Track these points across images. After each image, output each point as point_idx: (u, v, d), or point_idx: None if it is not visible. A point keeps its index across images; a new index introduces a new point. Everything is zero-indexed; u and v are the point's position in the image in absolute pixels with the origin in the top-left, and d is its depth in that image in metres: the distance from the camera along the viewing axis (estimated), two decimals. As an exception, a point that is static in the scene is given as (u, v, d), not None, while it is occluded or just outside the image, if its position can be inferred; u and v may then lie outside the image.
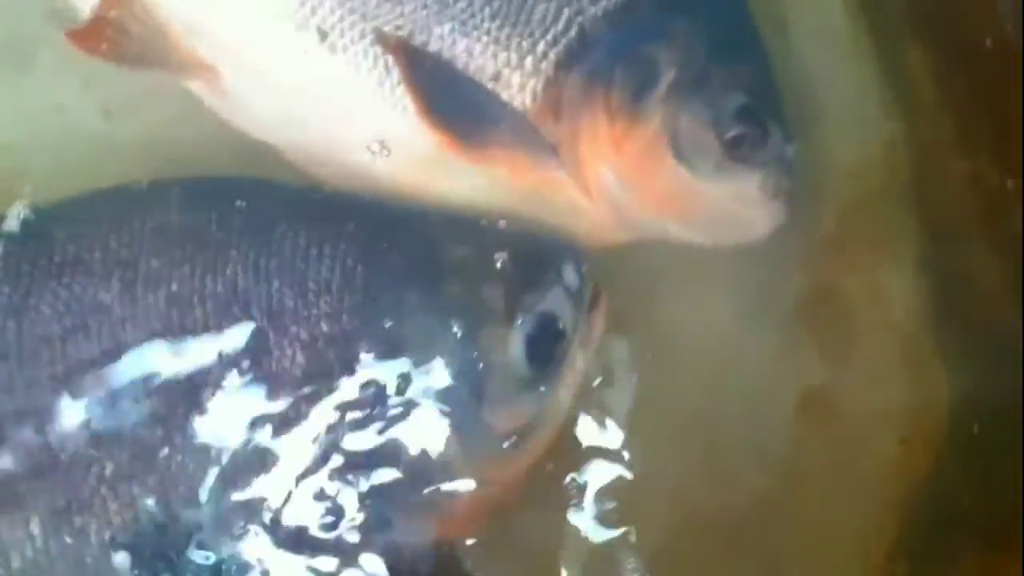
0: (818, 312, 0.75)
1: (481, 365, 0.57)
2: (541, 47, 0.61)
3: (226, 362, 0.53)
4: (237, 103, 0.62)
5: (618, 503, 0.69)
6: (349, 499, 0.55)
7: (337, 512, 0.55)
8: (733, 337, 0.74)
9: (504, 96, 0.61)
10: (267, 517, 0.54)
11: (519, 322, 0.58)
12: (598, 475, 0.69)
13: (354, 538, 0.55)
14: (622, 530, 0.68)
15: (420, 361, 0.56)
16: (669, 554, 0.70)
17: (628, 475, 0.69)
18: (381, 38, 0.59)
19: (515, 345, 0.58)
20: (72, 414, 0.53)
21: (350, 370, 0.55)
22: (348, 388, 0.55)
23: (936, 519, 0.70)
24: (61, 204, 0.59)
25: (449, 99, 0.60)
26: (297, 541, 0.54)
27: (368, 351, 0.55)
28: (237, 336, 0.54)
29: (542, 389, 0.59)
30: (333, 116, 0.61)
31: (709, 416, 0.72)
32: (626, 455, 0.70)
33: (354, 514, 0.55)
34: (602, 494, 0.68)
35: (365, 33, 0.59)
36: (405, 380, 0.56)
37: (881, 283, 0.76)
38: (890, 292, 0.76)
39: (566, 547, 0.67)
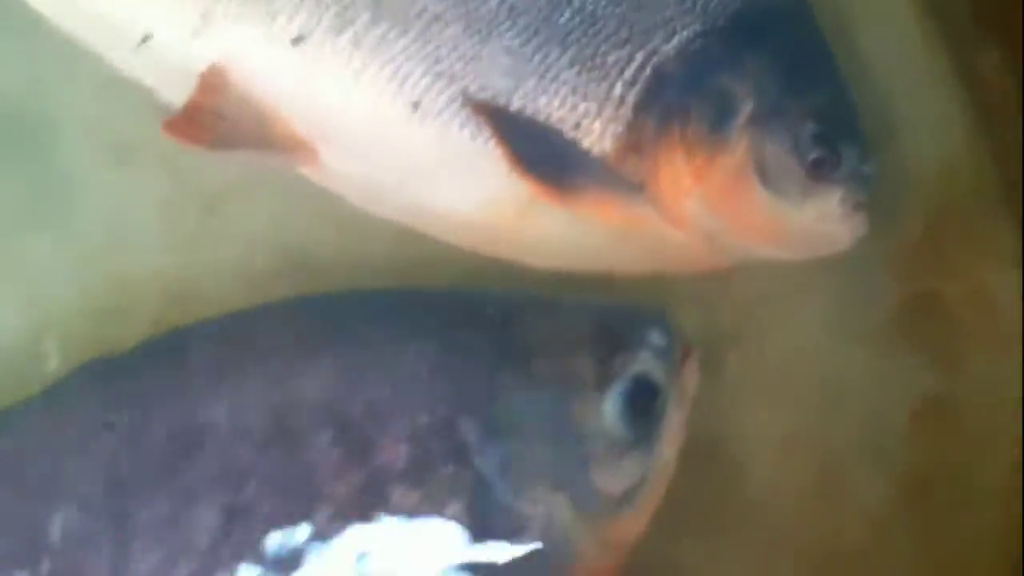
0: (921, 319, 0.75)
1: (582, 434, 0.59)
2: (618, 91, 0.63)
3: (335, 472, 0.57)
4: (339, 176, 0.65)
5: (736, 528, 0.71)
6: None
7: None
8: (836, 352, 0.74)
9: (586, 142, 0.63)
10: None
11: (611, 388, 0.60)
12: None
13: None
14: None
15: (525, 437, 0.58)
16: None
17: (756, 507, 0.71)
18: (469, 101, 0.62)
19: (611, 411, 0.59)
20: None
21: (454, 458, 0.57)
22: (455, 475, 0.57)
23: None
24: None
25: (536, 151, 0.62)
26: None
27: (467, 437, 0.57)
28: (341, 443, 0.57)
29: (645, 449, 0.60)
30: (433, 177, 0.64)
31: (822, 435, 0.73)
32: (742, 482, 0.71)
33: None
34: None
35: (454, 98, 0.62)
36: (509, 461, 0.58)
37: (982, 285, 0.75)
38: (993, 293, 0.75)
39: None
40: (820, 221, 0.66)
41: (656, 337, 0.61)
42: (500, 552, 0.57)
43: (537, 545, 0.57)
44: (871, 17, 0.77)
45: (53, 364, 0.67)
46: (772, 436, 0.72)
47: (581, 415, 0.59)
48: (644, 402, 0.60)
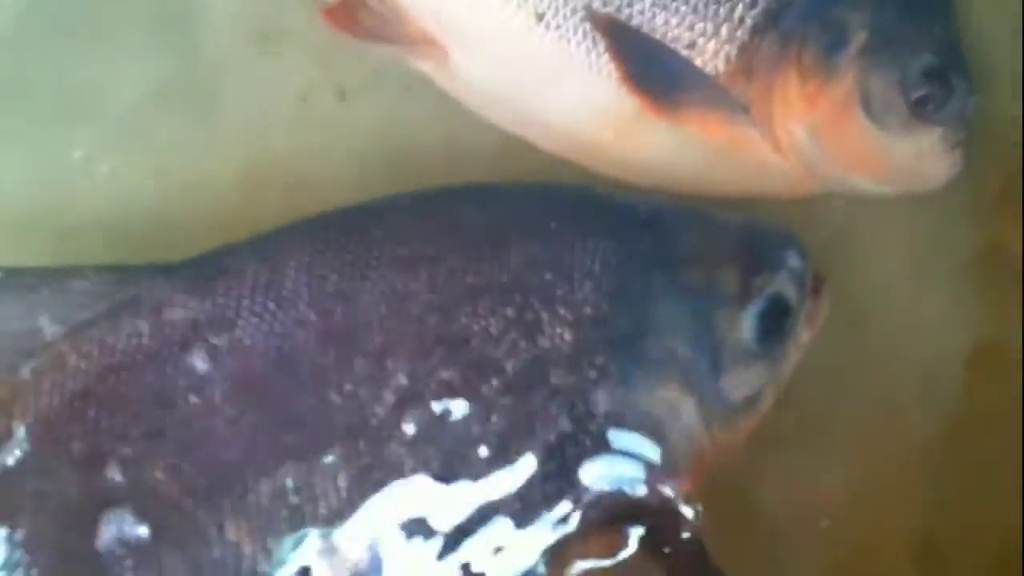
0: (987, 267, 0.77)
1: (719, 342, 0.62)
2: (738, 13, 0.65)
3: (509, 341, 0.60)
4: (461, 78, 0.69)
5: (800, 451, 0.74)
6: (600, 463, 0.61)
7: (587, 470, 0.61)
8: (908, 288, 0.77)
9: (699, 61, 0.65)
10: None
11: (751, 303, 0.63)
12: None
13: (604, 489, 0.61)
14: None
15: (668, 338, 0.62)
16: (848, 495, 0.74)
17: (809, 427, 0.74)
18: (590, 15, 0.65)
19: (748, 324, 0.63)
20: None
21: (609, 347, 0.60)
22: (607, 363, 0.61)
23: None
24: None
25: (648, 66, 0.65)
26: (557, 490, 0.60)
27: (624, 330, 0.61)
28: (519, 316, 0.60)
29: (771, 363, 0.64)
30: (547, 86, 0.67)
31: (887, 367, 0.76)
32: (807, 406, 0.74)
33: (604, 471, 0.61)
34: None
35: (576, 10, 0.65)
36: (655, 354, 0.62)
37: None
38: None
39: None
40: (918, 157, 0.68)
41: (794, 261, 0.65)
42: (629, 441, 0.61)
43: (662, 439, 0.61)
44: None
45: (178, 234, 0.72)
46: (833, 366, 0.74)
47: (720, 325, 0.62)
48: (777, 320, 0.64)
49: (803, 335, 0.66)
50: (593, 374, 0.60)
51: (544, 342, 0.59)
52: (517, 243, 0.61)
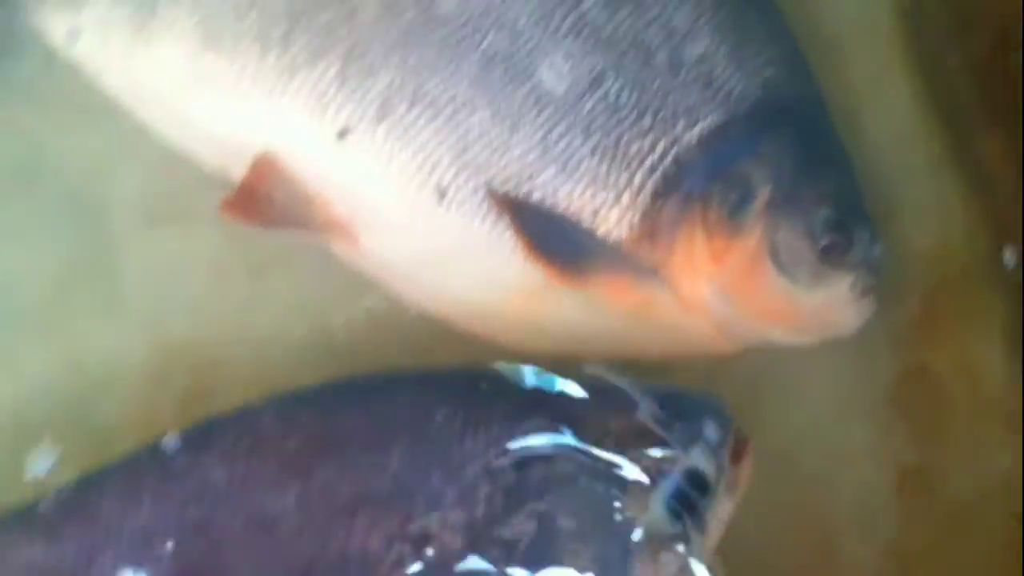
0: (912, 393, 0.78)
1: (627, 527, 0.60)
2: (638, 180, 0.66)
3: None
4: (372, 258, 0.69)
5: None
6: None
7: None
8: (834, 426, 0.77)
9: (603, 229, 0.66)
10: None
11: (661, 482, 0.61)
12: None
13: None
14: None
15: (572, 531, 0.60)
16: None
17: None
18: (491, 193, 0.65)
19: (658, 505, 0.61)
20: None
21: (506, 549, 0.59)
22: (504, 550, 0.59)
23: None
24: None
25: (552, 237, 0.66)
26: None
27: (519, 519, 0.59)
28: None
29: (688, 542, 0.61)
30: (455, 262, 0.67)
31: (819, 505, 0.76)
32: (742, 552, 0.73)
33: None
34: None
35: (477, 188, 0.65)
36: (558, 550, 0.60)
37: (972, 360, 0.79)
38: (982, 368, 0.79)
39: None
40: (831, 305, 0.69)
41: (710, 431, 0.63)
42: None
43: None
44: (877, 104, 0.80)
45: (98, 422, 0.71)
46: (772, 504, 0.74)
47: (629, 506, 0.60)
48: (692, 498, 0.61)
49: (724, 505, 0.64)
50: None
51: (433, 552, 0.58)
52: (400, 444, 0.60)
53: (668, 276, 0.67)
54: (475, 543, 0.58)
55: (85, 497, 0.61)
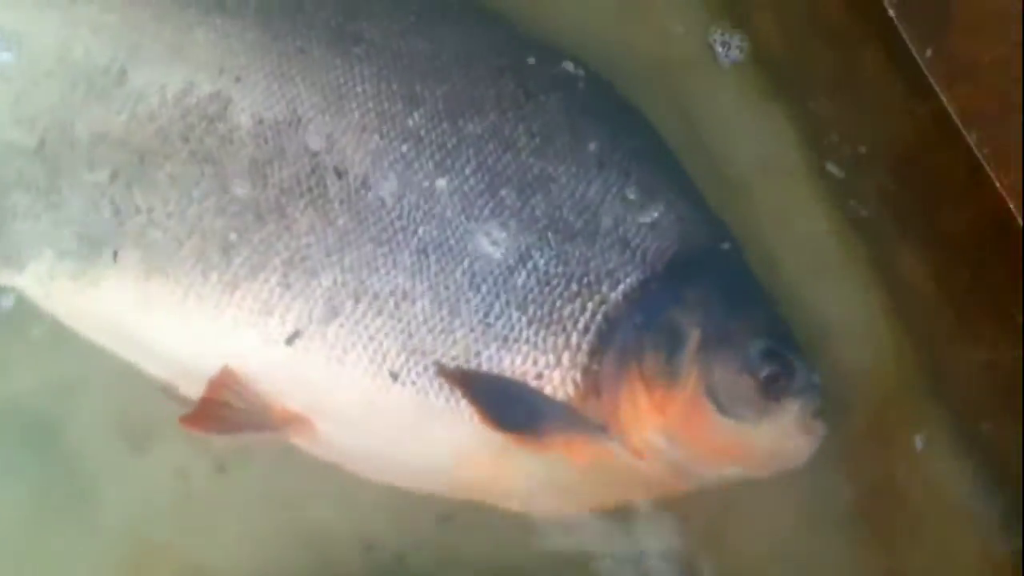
0: (875, 505, 0.80)
1: None
2: (574, 340, 0.69)
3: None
4: (332, 445, 0.71)
5: None
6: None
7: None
8: (804, 546, 0.79)
9: (548, 390, 0.68)
10: None
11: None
12: None
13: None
14: None
15: None
16: None
17: None
18: (440, 370, 0.68)
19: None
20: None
21: None
22: None
23: None
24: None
25: (503, 405, 0.68)
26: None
27: None
28: None
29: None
30: (414, 436, 0.70)
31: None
32: None
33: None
34: None
35: (427, 367, 0.68)
36: None
37: (928, 469, 0.81)
38: (938, 475, 0.81)
39: None
40: (781, 436, 0.71)
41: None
42: None
43: None
44: (790, 237, 0.84)
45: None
46: None
47: None
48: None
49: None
50: None
51: None
52: None
53: (617, 429, 0.69)
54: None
55: None
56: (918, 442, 0.81)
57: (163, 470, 0.76)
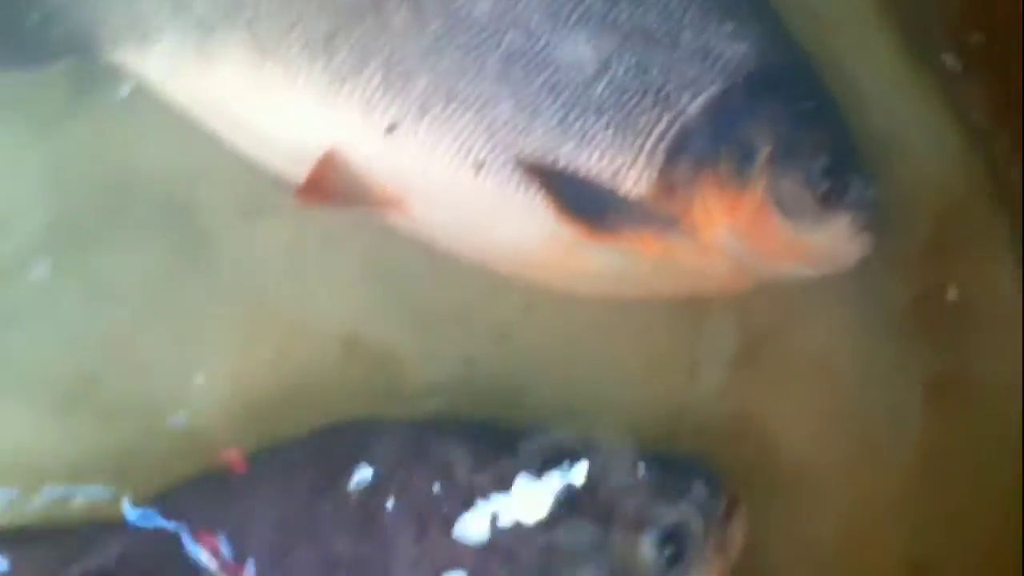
0: (929, 311, 0.86)
1: (618, 567, 0.68)
2: (651, 145, 0.74)
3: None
4: (424, 226, 0.78)
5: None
6: None
7: None
8: (860, 346, 0.85)
9: (623, 188, 0.74)
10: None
11: (648, 531, 0.68)
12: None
13: None
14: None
15: (569, 562, 0.68)
16: (841, 530, 0.82)
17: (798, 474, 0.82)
18: (522, 162, 0.74)
19: (646, 551, 0.68)
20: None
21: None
22: None
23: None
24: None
25: (579, 199, 0.74)
26: None
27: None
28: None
29: None
30: (496, 223, 0.76)
31: (854, 418, 0.84)
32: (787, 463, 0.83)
33: None
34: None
35: (509, 160, 0.74)
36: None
37: (984, 275, 0.86)
38: (994, 281, 0.87)
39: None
40: (832, 243, 0.76)
41: (698, 490, 0.70)
42: None
43: None
44: (863, 61, 0.87)
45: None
46: (815, 412, 0.84)
47: (621, 551, 0.68)
48: (677, 548, 0.69)
49: (715, 558, 0.70)
50: None
51: None
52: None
53: (687, 226, 0.75)
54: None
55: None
56: (977, 254, 0.87)
57: (274, 243, 0.85)
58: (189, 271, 0.84)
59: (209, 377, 0.82)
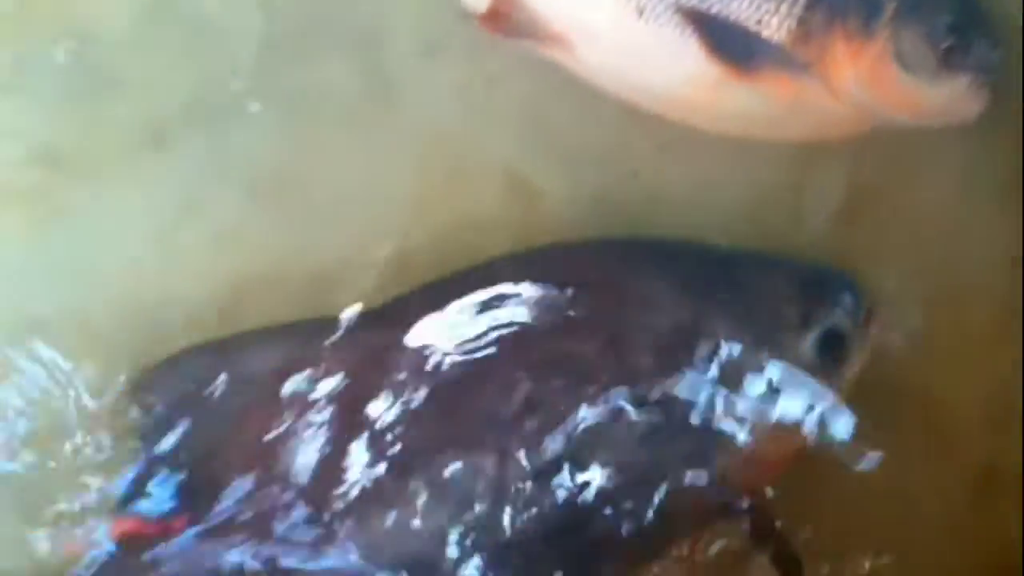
0: None
1: (784, 358, 0.80)
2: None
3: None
4: (584, 63, 0.88)
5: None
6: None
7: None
8: (959, 204, 0.94)
9: (766, 33, 0.83)
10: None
11: (811, 332, 0.81)
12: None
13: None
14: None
15: (746, 360, 0.80)
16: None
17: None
18: (679, 6, 0.84)
19: (808, 347, 0.81)
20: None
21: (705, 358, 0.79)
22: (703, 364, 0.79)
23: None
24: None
25: (726, 40, 0.84)
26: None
27: (713, 346, 0.79)
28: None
29: (827, 377, 0.81)
30: (650, 63, 0.86)
31: (946, 269, 0.92)
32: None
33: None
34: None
35: (668, 6, 0.84)
36: (740, 363, 0.80)
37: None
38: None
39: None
40: (950, 99, 0.84)
41: (848, 299, 0.82)
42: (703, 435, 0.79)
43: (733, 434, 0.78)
44: None
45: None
46: (903, 271, 0.92)
47: (788, 346, 0.80)
48: (832, 345, 0.81)
49: (858, 355, 0.83)
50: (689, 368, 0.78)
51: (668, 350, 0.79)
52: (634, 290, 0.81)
53: (819, 72, 0.84)
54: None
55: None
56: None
57: (447, 79, 0.94)
58: (373, 98, 0.94)
59: (389, 203, 0.92)
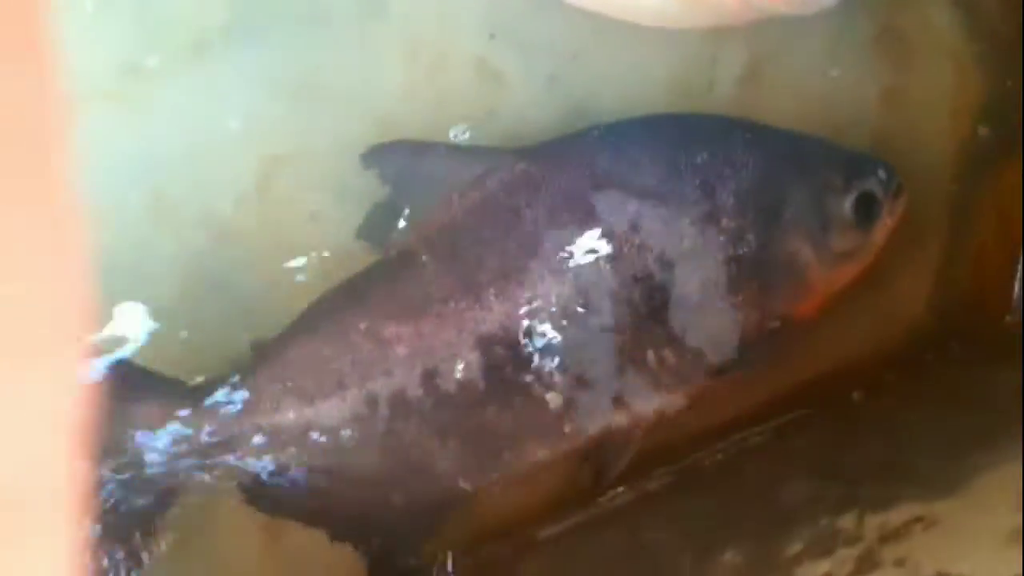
0: (884, 40, 1.13)
1: (830, 216, 0.97)
2: None
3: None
4: None
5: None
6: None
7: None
8: (827, 67, 1.12)
9: None
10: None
11: (851, 194, 0.98)
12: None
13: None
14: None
15: (798, 210, 0.97)
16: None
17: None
18: None
19: (848, 207, 0.97)
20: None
21: (766, 214, 0.97)
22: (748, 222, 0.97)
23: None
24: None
25: None
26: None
27: (772, 204, 0.97)
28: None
29: (862, 234, 0.98)
30: None
31: (826, 122, 1.10)
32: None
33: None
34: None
35: None
36: (791, 218, 0.98)
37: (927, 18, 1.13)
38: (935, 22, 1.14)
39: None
40: None
41: (882, 173, 0.98)
42: (766, 269, 0.96)
43: (793, 267, 0.97)
44: None
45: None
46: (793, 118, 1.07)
47: (832, 206, 0.97)
48: (868, 207, 0.97)
49: (886, 220, 0.99)
50: (751, 224, 0.96)
51: (726, 210, 0.97)
52: (704, 160, 0.98)
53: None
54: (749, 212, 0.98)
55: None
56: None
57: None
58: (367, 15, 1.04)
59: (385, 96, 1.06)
